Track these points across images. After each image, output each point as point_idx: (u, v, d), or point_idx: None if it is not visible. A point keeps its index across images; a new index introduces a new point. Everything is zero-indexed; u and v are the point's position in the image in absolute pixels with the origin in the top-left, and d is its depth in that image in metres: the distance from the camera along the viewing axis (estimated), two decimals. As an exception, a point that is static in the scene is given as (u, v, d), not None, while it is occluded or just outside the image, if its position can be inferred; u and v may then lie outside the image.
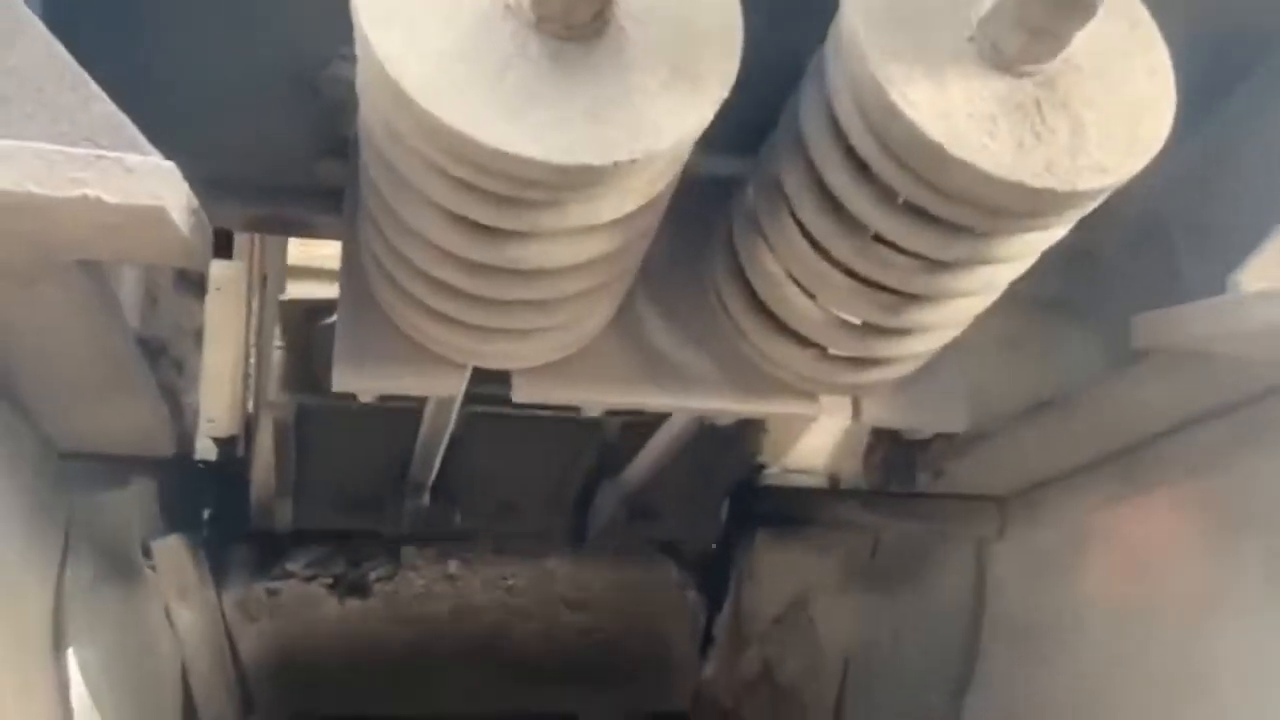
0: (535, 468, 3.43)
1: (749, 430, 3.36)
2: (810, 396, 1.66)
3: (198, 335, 2.32)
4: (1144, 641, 1.95)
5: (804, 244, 1.42)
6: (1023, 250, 1.33)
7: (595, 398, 1.60)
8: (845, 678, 2.82)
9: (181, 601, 2.88)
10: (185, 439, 2.13)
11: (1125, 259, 1.90)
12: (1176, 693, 1.85)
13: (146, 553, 2.70)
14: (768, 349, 1.59)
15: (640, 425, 3.05)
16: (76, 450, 1.98)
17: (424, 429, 2.50)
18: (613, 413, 3.18)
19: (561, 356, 1.54)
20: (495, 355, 1.50)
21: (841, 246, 1.38)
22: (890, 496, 2.86)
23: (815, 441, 3.17)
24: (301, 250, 2.77)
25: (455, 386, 1.54)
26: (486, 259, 1.25)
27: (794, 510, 3.48)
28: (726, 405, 1.64)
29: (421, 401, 2.45)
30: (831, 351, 1.58)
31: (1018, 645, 2.25)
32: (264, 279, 3.04)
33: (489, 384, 2.92)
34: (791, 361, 1.59)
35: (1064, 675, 2.10)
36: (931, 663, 2.49)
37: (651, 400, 1.63)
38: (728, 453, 3.43)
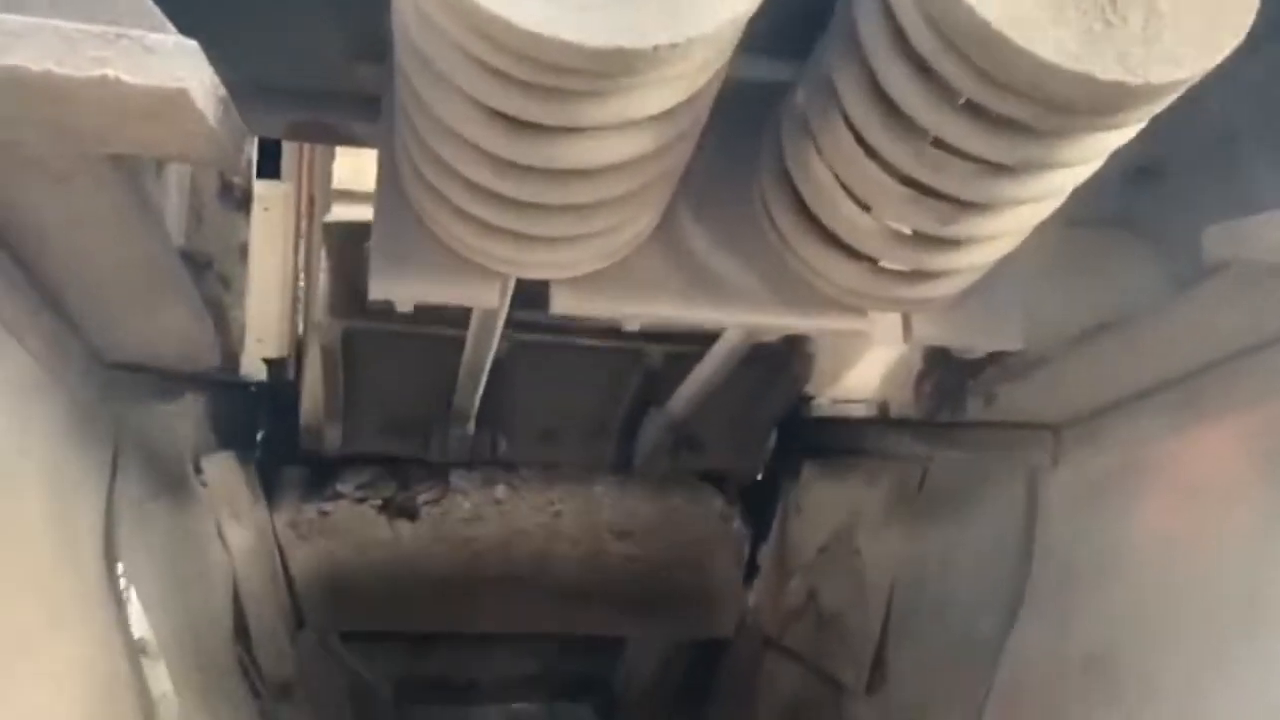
0: (580, 397, 3.44)
1: (797, 360, 3.31)
2: (859, 313, 1.61)
3: (243, 251, 2.32)
4: (1200, 573, 1.89)
5: (857, 149, 1.36)
6: (1088, 153, 1.26)
7: (636, 310, 1.56)
8: (890, 607, 2.79)
9: (233, 519, 2.93)
10: (231, 354, 2.14)
11: (1192, 173, 1.81)
12: (1232, 625, 1.79)
13: (198, 469, 2.73)
14: (815, 261, 1.54)
15: (685, 354, 3.02)
16: (123, 361, 2.00)
17: (467, 352, 2.49)
18: (657, 339, 3.15)
19: (602, 266, 1.50)
20: (534, 264, 1.47)
21: (897, 151, 1.32)
22: (940, 426, 2.81)
23: (865, 371, 3.11)
24: (347, 173, 2.76)
25: (493, 298, 1.51)
26: (523, 158, 1.21)
27: (841, 441, 3.44)
28: (771, 320, 1.60)
29: (465, 326, 2.44)
30: (883, 264, 1.53)
31: (1068, 575, 2.20)
32: (311, 200, 3.04)
33: (532, 310, 2.93)
34: (840, 275, 1.54)
35: (1115, 606, 2.05)
36: (979, 592, 2.45)
37: (694, 314, 1.59)
38: (775, 384, 3.40)
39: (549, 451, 3.61)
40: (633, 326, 1.61)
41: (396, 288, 1.47)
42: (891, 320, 1.64)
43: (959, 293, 1.61)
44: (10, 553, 1.51)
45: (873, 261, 1.52)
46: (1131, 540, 2.06)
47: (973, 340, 1.66)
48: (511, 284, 1.67)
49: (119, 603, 1.98)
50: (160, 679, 2.03)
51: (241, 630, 2.71)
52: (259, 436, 3.67)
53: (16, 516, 1.55)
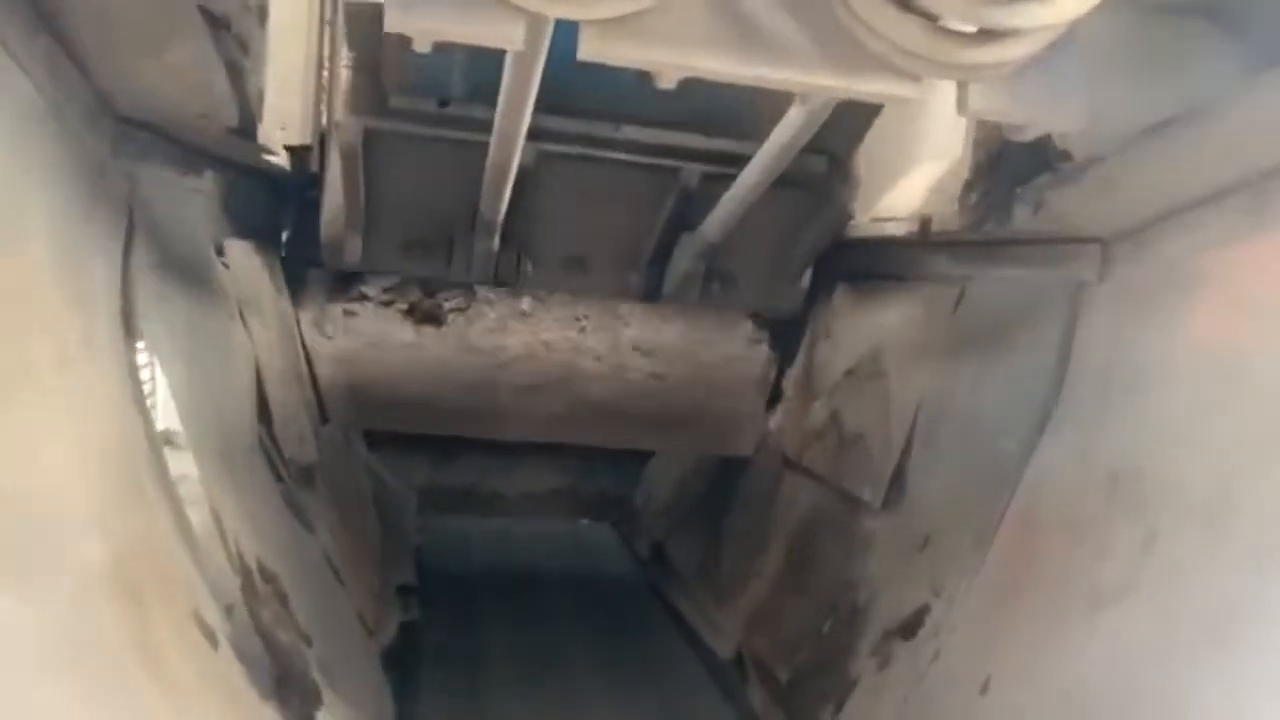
0: (610, 220, 3.32)
1: (839, 185, 3.18)
2: (913, 78, 1.49)
3: (262, 14, 2.20)
4: (1242, 390, 1.82)
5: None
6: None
7: (671, 60, 1.45)
8: (914, 426, 2.75)
9: (256, 306, 2.91)
10: (249, 119, 2.06)
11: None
12: (1267, 439, 1.73)
13: (219, 252, 2.69)
14: (870, 16, 1.41)
15: (723, 176, 2.90)
16: (134, 116, 1.92)
17: (494, 141, 2.37)
18: (694, 158, 3.02)
19: (637, 8, 1.38)
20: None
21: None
22: (981, 245, 2.71)
23: (909, 187, 2.99)
24: (375, -48, 2.60)
25: (518, 37, 1.41)
26: None
27: (876, 266, 3.35)
28: (819, 80, 1.48)
29: (489, 131, 2.33)
30: (942, 22, 1.40)
31: (1102, 391, 2.13)
32: (335, -19, 2.90)
33: (561, 117, 2.81)
34: (896, 32, 1.41)
35: (1149, 420, 1.99)
36: (1007, 412, 2.40)
37: (735, 69, 1.47)
38: (815, 214, 3.28)
39: (576, 279, 3.50)
40: (667, 83, 1.50)
41: (413, 20, 1.37)
42: (947, 90, 1.52)
43: (1020, 66, 1.49)
44: (13, 284, 1.47)
45: (931, 17, 1.39)
46: (1174, 354, 1.99)
47: (1032, 114, 1.54)
48: (543, 33, 1.57)
49: (135, 374, 1.97)
50: (179, 444, 2.03)
51: (264, 414, 2.71)
52: (283, 238, 3.62)
53: (20, 250, 1.51)
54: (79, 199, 1.77)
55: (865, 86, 1.49)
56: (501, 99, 2.03)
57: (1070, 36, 1.49)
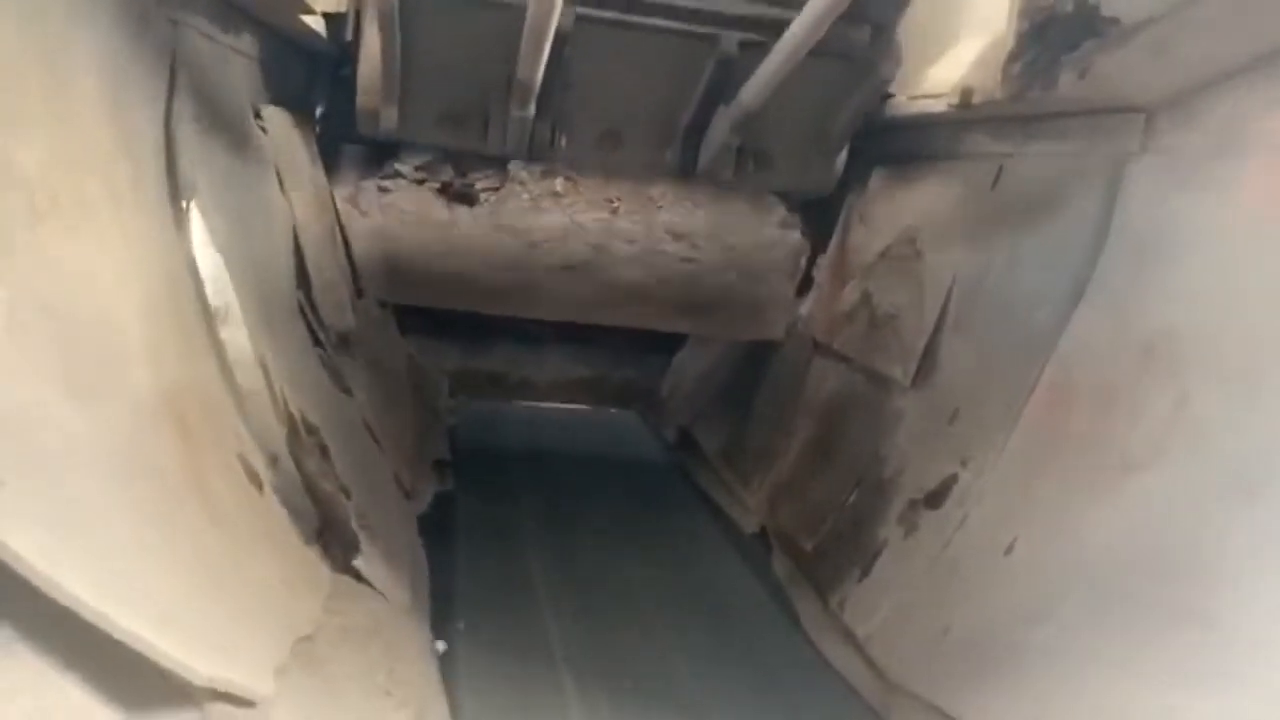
0: (647, 89, 3.28)
1: (881, 56, 3.12)
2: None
3: None
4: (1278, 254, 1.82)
5: None
6: None
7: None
8: (947, 304, 2.76)
9: (293, 173, 2.92)
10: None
11: None
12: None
13: (258, 115, 2.69)
14: None
15: (762, 45, 2.85)
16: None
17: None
18: (733, 24, 2.97)
19: None
20: None
21: None
22: (1021, 120, 2.67)
23: (952, 62, 2.93)
24: None
25: None
26: None
27: (914, 147, 3.31)
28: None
29: None
30: None
31: (1141, 258, 2.13)
32: None
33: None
34: None
35: (1187, 286, 2.00)
36: (1044, 282, 2.40)
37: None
38: (855, 87, 3.22)
39: (611, 151, 3.48)
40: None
41: None
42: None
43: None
44: (67, 115, 1.49)
45: None
46: (1213, 220, 1.98)
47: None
48: None
49: (180, 216, 2.00)
50: (226, 291, 2.07)
51: (303, 279, 2.75)
52: (318, 112, 3.62)
53: (71, 83, 1.53)
54: (124, 42, 1.78)
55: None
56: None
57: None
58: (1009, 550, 2.14)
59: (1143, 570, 1.84)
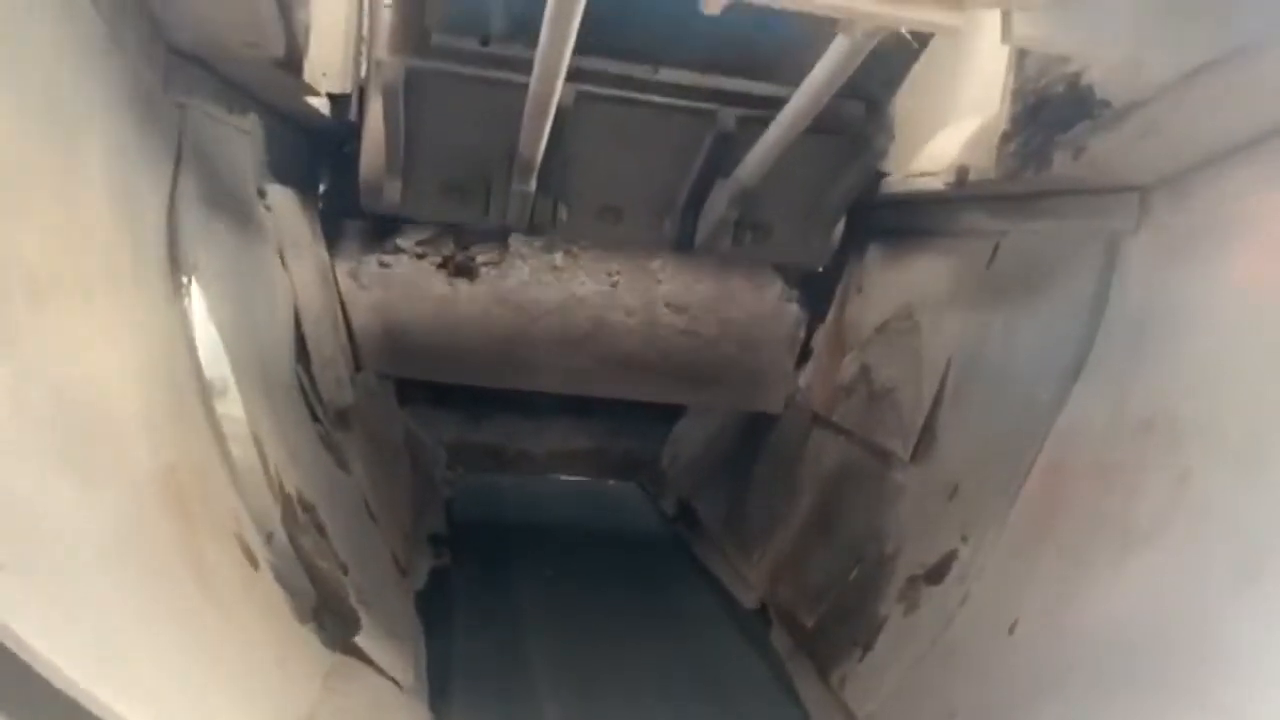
0: (646, 164, 3.33)
1: (875, 132, 3.18)
2: (957, 6, 1.50)
3: (307, -49, 2.23)
4: (1277, 334, 1.82)
5: None
6: None
7: (715, -22, 1.46)
8: (946, 377, 2.77)
9: (295, 250, 2.95)
10: (295, 51, 2.08)
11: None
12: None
13: (261, 194, 2.73)
14: (914, -59, 1.43)
15: (760, 119, 2.91)
16: (185, 46, 1.96)
17: (537, 70, 2.39)
18: (731, 101, 3.03)
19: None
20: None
21: None
22: (1017, 198, 2.71)
23: (945, 141, 2.98)
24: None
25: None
26: None
27: (910, 222, 3.35)
28: (861, 6, 1.49)
29: (529, 71, 2.36)
30: (986, -53, 1.41)
31: (1138, 337, 2.14)
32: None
33: (599, 58, 2.82)
34: (940, -44, 1.43)
35: (1185, 365, 2.00)
36: (1041, 359, 2.40)
37: (778, -8, 1.49)
38: (851, 162, 3.27)
39: (611, 225, 3.52)
40: (714, 9, 1.51)
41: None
42: (991, 16, 1.53)
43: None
44: (71, 197, 1.51)
45: (977, -59, 1.40)
46: (1210, 299, 1.99)
47: (1075, 43, 1.55)
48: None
49: (179, 294, 2.01)
50: (223, 367, 2.07)
51: (302, 355, 2.76)
52: (321, 189, 3.67)
53: (78, 167, 1.55)
54: (132, 125, 1.81)
55: (909, 14, 1.49)
56: (545, 25, 2.05)
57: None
58: (1012, 629, 2.11)
59: (1147, 650, 1.81)
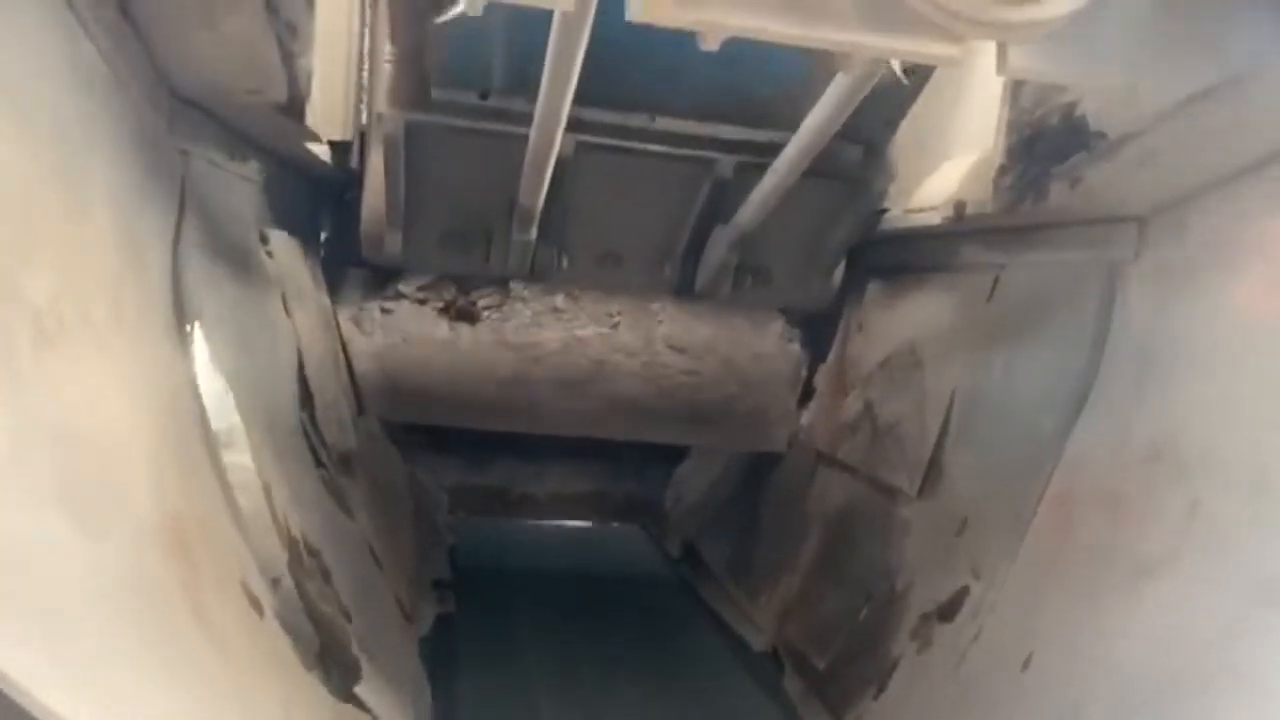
0: (645, 212, 3.36)
1: (874, 174, 3.20)
2: (953, 38, 1.52)
3: (310, 1, 2.25)
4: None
5: None
6: None
7: (715, 19, 1.48)
8: (950, 412, 2.76)
9: (297, 296, 2.95)
10: (297, 97, 2.10)
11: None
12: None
13: (264, 240, 2.74)
14: (910, -26, 1.44)
15: (757, 166, 2.93)
16: (188, 92, 1.97)
17: (537, 119, 2.41)
18: (728, 149, 3.05)
19: (681, -32, 1.42)
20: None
21: None
22: (1015, 231, 2.72)
23: (943, 177, 3.00)
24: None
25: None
26: None
27: (909, 259, 3.36)
28: (859, 38, 1.50)
29: (529, 123, 2.38)
30: (982, -20, 1.43)
31: (1142, 366, 2.13)
32: (377, -26, 2.96)
33: (598, 109, 2.85)
34: (936, -10, 1.44)
35: (1190, 394, 1.99)
36: (1045, 391, 2.40)
37: (780, 28, 1.50)
38: (850, 205, 3.30)
39: (612, 271, 3.54)
40: (712, 45, 1.53)
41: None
42: (986, 49, 1.54)
43: (1059, 27, 1.51)
44: (79, 242, 1.51)
45: (972, -25, 1.41)
46: (1213, 327, 1.99)
47: (1072, 74, 1.56)
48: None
49: (185, 341, 2.01)
50: (229, 414, 2.07)
51: (306, 400, 2.75)
52: (322, 237, 3.69)
53: (85, 214, 1.55)
54: (137, 172, 1.82)
55: (907, 46, 1.51)
56: (545, 77, 2.08)
57: (1108, 7, 1.51)
58: (1026, 664, 2.09)
59: (1164, 680, 1.79)
